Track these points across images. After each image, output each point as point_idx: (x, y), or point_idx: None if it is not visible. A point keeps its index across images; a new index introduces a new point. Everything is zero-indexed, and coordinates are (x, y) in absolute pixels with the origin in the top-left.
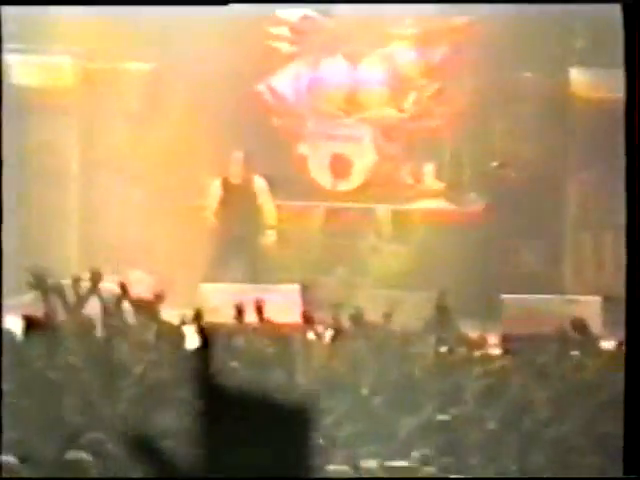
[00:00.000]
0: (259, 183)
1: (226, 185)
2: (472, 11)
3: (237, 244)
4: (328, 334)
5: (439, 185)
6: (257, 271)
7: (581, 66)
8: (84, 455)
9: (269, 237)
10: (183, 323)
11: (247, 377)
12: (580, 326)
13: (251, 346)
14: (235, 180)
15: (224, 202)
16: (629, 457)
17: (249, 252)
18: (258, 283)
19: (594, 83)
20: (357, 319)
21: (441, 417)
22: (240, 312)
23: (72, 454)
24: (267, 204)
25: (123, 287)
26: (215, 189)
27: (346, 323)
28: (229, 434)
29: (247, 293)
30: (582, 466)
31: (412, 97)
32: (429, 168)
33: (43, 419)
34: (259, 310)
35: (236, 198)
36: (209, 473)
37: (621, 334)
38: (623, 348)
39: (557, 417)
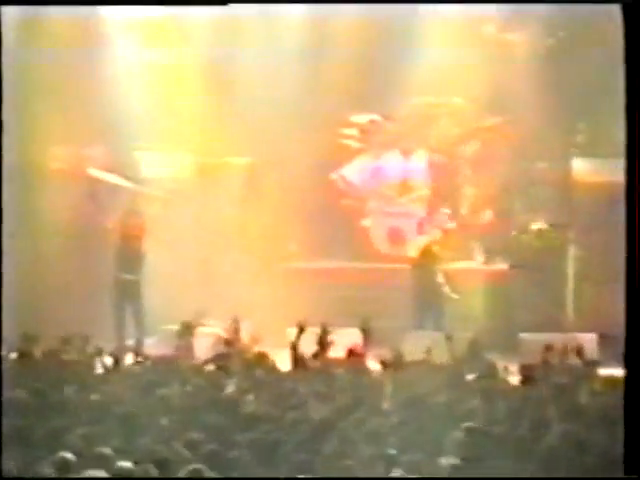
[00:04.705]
0: None
1: None
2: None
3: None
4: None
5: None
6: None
7: (582, 156)
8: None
9: None
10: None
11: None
12: (580, 354)
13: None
14: None
15: None
16: (629, 457)
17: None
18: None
19: (593, 170)
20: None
21: (469, 427)
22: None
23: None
24: None
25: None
26: None
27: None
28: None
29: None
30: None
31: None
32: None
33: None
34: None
35: None
36: None
37: (614, 363)
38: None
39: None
